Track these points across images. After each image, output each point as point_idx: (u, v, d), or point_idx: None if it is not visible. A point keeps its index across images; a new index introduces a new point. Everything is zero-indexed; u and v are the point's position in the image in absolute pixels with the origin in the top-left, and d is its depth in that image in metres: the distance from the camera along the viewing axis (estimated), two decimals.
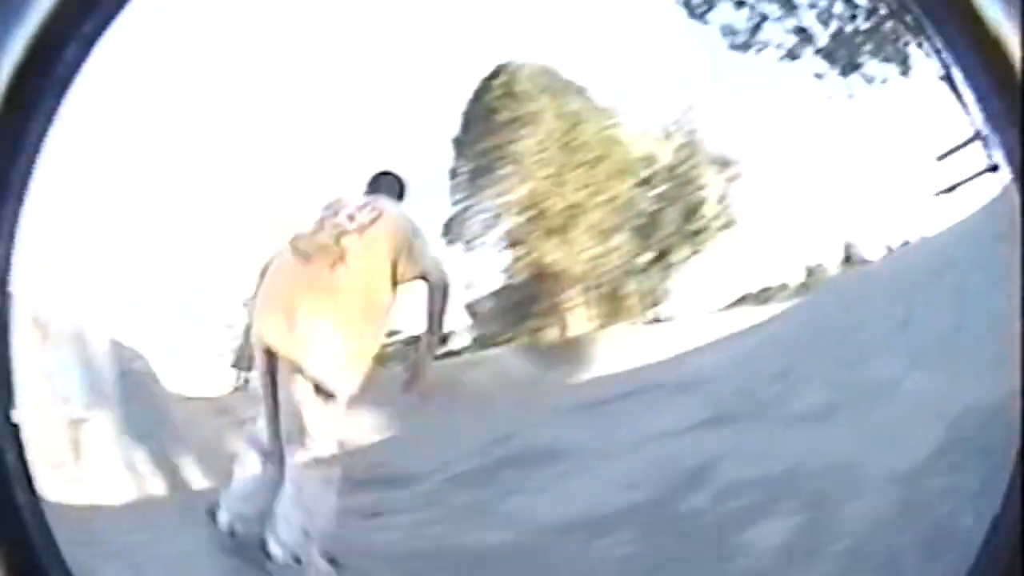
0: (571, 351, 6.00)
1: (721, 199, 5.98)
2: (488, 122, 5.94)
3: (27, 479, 1.24)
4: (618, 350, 6.03)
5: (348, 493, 4.53)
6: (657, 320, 6.19)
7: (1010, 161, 1.14)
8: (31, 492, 1.24)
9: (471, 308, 5.92)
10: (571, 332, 6.11)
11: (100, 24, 1.18)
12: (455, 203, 6.03)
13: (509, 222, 6.05)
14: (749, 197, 5.90)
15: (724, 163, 6.02)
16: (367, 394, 4.65)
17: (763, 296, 5.94)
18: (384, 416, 5.54)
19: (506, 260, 6.05)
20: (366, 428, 5.36)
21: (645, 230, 6.08)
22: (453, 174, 6.02)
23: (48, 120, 1.18)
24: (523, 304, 6.10)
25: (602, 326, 6.13)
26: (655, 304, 6.12)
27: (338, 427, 3.72)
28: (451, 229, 6.00)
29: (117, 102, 4.03)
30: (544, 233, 5.94)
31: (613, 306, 6.12)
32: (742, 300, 5.97)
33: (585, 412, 5.48)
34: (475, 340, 5.95)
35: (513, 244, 6.03)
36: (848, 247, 5.88)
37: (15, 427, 1.24)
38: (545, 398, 5.85)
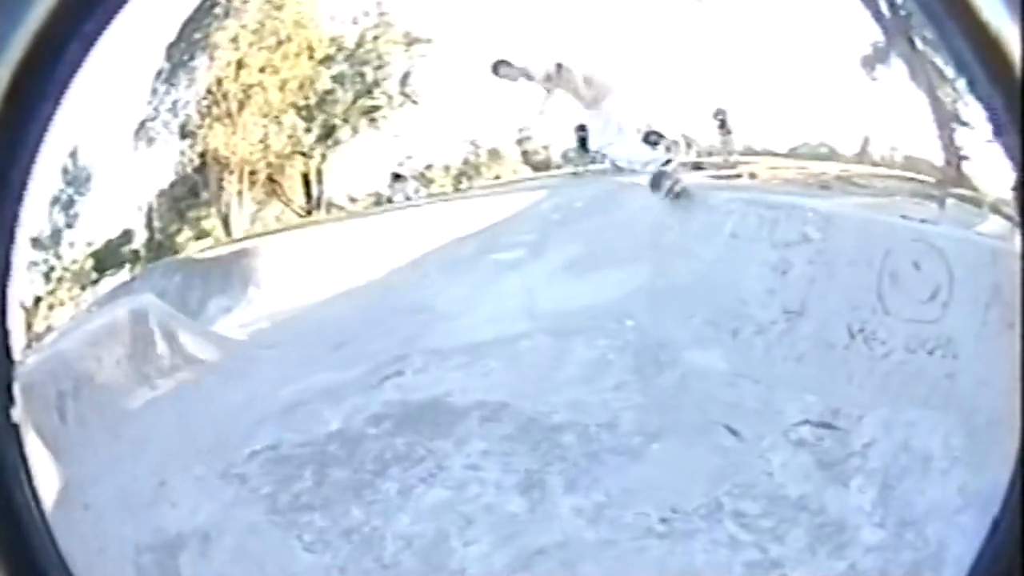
0: (220, 268, 5.74)
1: (404, 78, 6.18)
2: (202, 18, 5.70)
3: (27, 479, 1.33)
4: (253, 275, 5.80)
5: None
6: (316, 207, 6.28)
7: (1011, 161, 1.20)
8: (31, 492, 1.33)
9: (144, 208, 5.68)
10: (232, 220, 6.05)
11: (100, 23, 1.23)
12: (149, 103, 5.75)
13: (186, 113, 5.89)
14: (436, 77, 6.07)
15: (413, 41, 6.20)
16: None
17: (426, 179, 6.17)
18: None
19: (178, 153, 5.87)
20: None
21: (315, 110, 6.18)
22: (158, 75, 5.72)
23: (48, 120, 1.23)
24: (189, 195, 5.94)
25: (259, 209, 6.13)
26: (314, 183, 6.24)
27: None
28: (141, 128, 5.74)
29: None
30: (215, 119, 5.85)
31: (272, 188, 6.15)
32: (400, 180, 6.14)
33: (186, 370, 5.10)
34: (147, 243, 5.71)
35: (186, 135, 5.88)
36: (525, 146, 6.27)
37: (15, 426, 1.32)
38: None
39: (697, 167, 5.99)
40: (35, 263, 5.05)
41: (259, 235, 6.17)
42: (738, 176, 5.80)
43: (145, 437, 4.58)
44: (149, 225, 5.62)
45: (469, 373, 4.78)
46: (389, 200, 6.32)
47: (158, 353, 5.11)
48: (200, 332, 5.48)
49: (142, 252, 5.52)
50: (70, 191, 5.17)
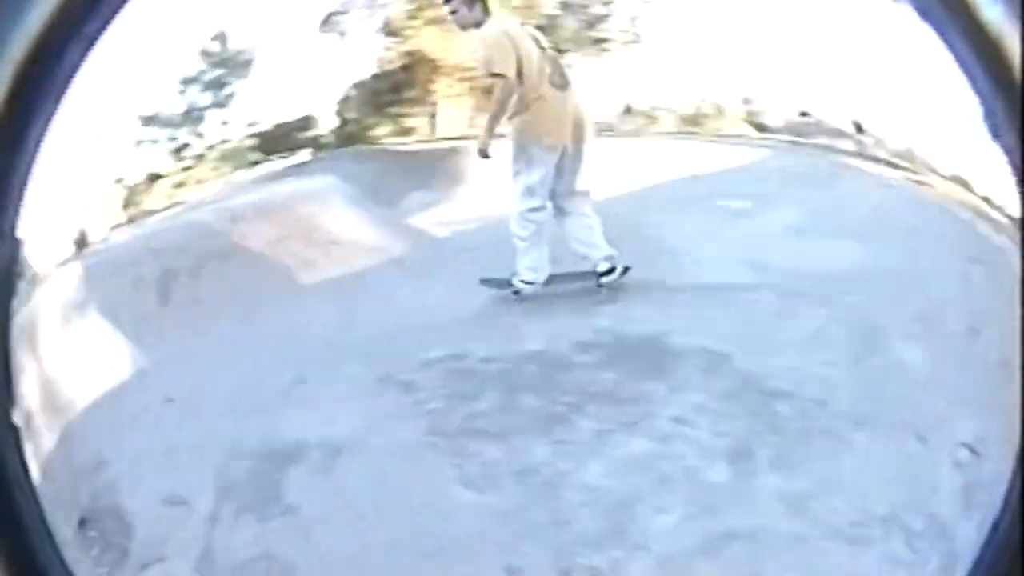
0: (425, 163, 5.24)
1: (633, 18, 6.04)
2: None
3: (27, 479, 1.34)
4: (463, 174, 5.33)
5: None
6: None
7: (1010, 161, 1.18)
8: (31, 492, 1.33)
9: (335, 98, 5.58)
10: (439, 122, 5.99)
11: (101, 24, 1.21)
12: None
13: (391, 11, 5.91)
14: (663, 21, 5.90)
15: None
16: None
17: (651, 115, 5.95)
18: None
19: (380, 48, 5.85)
20: None
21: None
22: None
23: (48, 120, 1.22)
24: (390, 91, 5.88)
25: (474, 117, 6.04)
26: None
27: None
28: (327, 21, 5.84)
29: None
30: (426, 23, 5.85)
31: (486, 100, 6.07)
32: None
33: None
34: (336, 130, 5.61)
35: (391, 33, 5.89)
36: (750, 107, 5.98)
37: (15, 428, 1.32)
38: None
39: (891, 165, 5.52)
40: (155, 140, 4.87)
41: (473, 137, 5.97)
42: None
43: (287, 326, 4.22)
44: (340, 114, 5.59)
45: (692, 315, 4.41)
46: (612, 130, 6.12)
47: (328, 238, 4.79)
48: (390, 222, 5.10)
49: (327, 139, 5.41)
50: (218, 72, 5.12)
